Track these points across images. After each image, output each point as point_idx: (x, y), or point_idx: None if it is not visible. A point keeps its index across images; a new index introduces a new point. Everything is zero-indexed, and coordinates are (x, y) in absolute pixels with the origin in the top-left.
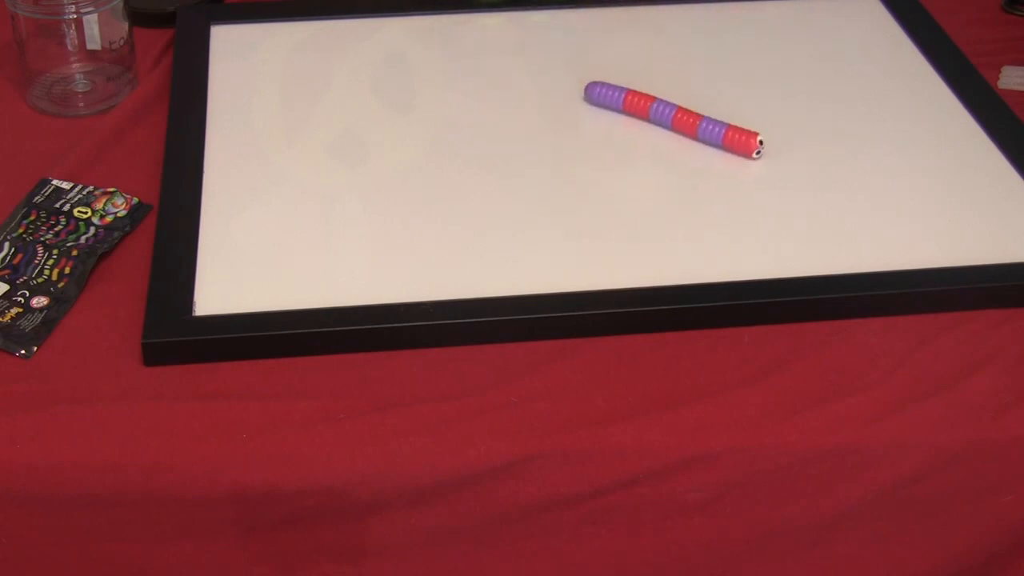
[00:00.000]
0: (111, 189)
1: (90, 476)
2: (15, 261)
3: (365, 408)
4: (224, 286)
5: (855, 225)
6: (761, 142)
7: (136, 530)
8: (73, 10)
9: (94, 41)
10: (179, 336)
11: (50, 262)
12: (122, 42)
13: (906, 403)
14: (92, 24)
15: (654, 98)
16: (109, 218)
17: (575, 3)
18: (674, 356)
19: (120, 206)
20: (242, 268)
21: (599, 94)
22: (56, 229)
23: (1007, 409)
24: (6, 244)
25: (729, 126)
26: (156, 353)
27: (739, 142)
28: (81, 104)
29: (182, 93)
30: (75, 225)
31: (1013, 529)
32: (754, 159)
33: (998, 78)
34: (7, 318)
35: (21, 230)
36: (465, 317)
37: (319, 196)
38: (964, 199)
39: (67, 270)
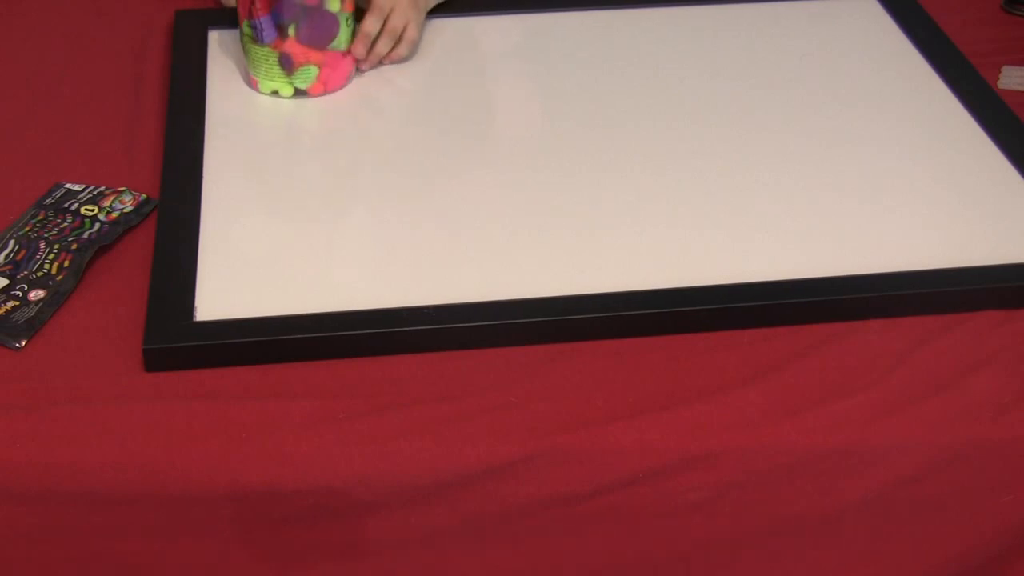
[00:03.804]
0: (121, 188)
1: (90, 476)
2: (18, 257)
3: (364, 408)
4: (224, 290)
5: (855, 226)
6: None
7: (136, 530)
8: None
9: None
10: (180, 342)
11: (51, 256)
12: None
13: (906, 403)
14: None
15: None
16: (115, 214)
17: (575, 5)
18: (674, 356)
19: (127, 203)
20: (242, 272)
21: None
22: (61, 226)
23: (1007, 409)
24: (11, 242)
25: None
26: (157, 359)
27: None
28: None
29: (180, 98)
30: (80, 222)
31: (1013, 529)
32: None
33: (998, 78)
34: (2, 311)
35: (27, 228)
36: (466, 321)
37: (318, 200)
38: (964, 199)
39: (66, 263)
